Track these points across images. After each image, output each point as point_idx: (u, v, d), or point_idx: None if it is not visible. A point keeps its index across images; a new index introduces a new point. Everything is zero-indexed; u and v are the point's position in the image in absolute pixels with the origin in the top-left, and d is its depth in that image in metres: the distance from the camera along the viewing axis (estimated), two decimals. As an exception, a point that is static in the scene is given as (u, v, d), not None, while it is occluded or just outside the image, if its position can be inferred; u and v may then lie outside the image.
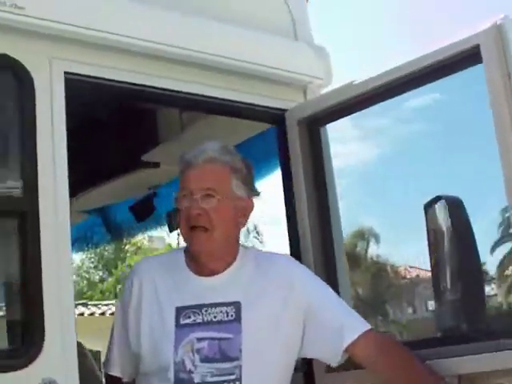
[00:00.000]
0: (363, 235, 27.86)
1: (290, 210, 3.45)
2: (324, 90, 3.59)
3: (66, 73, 2.86)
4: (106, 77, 2.98)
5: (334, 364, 2.86)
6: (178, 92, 3.22)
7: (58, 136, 2.78)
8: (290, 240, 3.44)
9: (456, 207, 3.20)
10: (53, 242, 2.68)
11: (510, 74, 2.81)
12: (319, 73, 3.55)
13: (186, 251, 2.87)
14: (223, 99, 3.35)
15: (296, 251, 3.37)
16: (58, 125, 2.80)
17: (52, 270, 2.65)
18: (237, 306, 2.73)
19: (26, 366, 2.54)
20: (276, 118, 3.52)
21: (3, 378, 2.48)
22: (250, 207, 2.89)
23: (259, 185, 3.74)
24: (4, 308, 2.85)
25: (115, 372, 2.91)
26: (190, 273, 2.82)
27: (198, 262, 2.82)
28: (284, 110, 3.51)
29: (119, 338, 2.88)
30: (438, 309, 3.27)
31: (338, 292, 3.10)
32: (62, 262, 2.71)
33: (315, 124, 3.38)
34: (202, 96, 3.29)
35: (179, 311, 2.72)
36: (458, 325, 3.12)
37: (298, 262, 3.05)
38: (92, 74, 2.94)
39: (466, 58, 2.92)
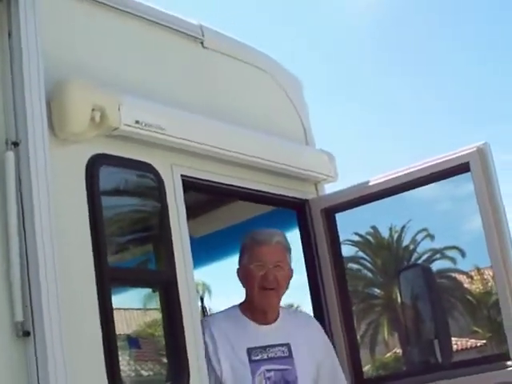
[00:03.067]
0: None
1: (313, 278, 4.50)
2: (330, 185, 4.70)
3: (182, 175, 3.80)
4: (207, 178, 3.95)
5: None
6: (237, 187, 4.22)
7: (182, 220, 3.70)
8: (314, 305, 4.50)
9: (430, 273, 4.47)
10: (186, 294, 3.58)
11: (489, 180, 4.05)
12: (329, 172, 4.67)
13: (242, 306, 4.01)
14: (257, 190, 4.38)
15: (319, 311, 4.44)
16: (181, 210, 3.72)
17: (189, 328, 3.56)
18: (288, 346, 3.95)
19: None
20: (295, 205, 4.59)
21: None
22: (292, 275, 4.06)
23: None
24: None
25: None
26: (250, 321, 3.98)
27: (263, 312, 3.98)
28: (300, 199, 4.58)
29: None
30: (414, 348, 4.53)
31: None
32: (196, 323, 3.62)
33: (333, 211, 4.47)
34: (246, 188, 4.30)
35: (249, 351, 3.86)
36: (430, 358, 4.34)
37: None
38: (198, 176, 3.90)
39: (459, 168, 4.13)
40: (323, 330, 4.21)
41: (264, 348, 3.88)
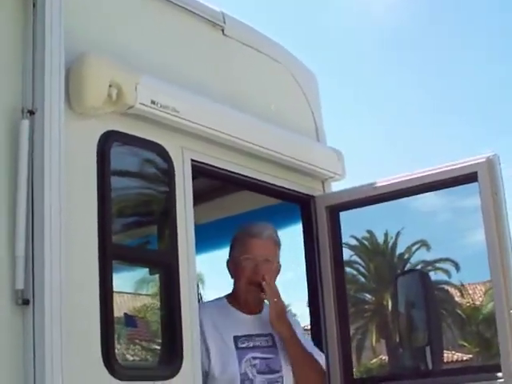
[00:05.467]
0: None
1: (311, 274, 4.51)
2: (336, 183, 4.71)
3: (192, 160, 3.80)
4: (216, 165, 3.96)
5: None
6: (245, 176, 4.22)
7: (188, 204, 3.71)
8: (309, 300, 4.51)
9: (426, 278, 4.48)
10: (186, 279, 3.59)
11: (496, 192, 4.06)
12: (337, 170, 4.67)
13: (229, 297, 4.17)
14: (265, 181, 4.38)
15: (315, 306, 4.44)
16: (188, 194, 3.73)
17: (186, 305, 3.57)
18: (271, 336, 4.12)
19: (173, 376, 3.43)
20: (300, 199, 4.59)
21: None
22: (280, 270, 4.25)
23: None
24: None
25: None
26: (236, 311, 4.13)
27: (248, 304, 4.11)
28: (306, 195, 4.58)
29: None
30: (405, 353, 4.55)
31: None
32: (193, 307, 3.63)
33: (337, 210, 4.48)
34: (254, 178, 4.30)
35: (235, 338, 4.00)
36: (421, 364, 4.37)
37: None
38: (208, 162, 3.90)
39: (467, 177, 4.13)
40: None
41: (249, 336, 4.03)
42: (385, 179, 4.36)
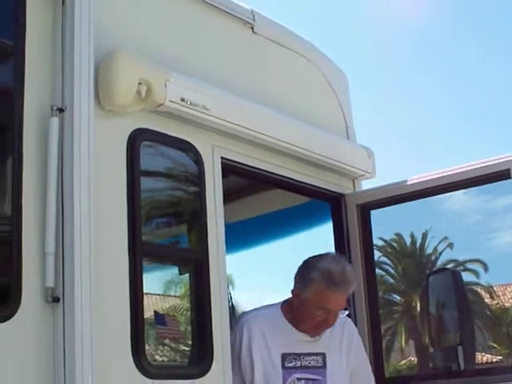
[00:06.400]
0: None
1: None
2: (367, 182, 4.67)
3: (222, 157, 3.78)
4: (246, 163, 3.93)
5: None
6: (275, 174, 4.19)
7: (218, 202, 3.68)
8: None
9: (458, 277, 4.42)
10: (216, 277, 3.56)
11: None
12: (368, 168, 4.63)
13: (285, 308, 3.88)
14: (295, 180, 4.35)
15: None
16: (218, 192, 3.70)
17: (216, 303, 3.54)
18: (323, 356, 3.84)
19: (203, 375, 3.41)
20: (331, 198, 4.56)
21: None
22: None
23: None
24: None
25: None
26: (290, 326, 3.84)
27: (307, 332, 3.82)
28: (337, 193, 4.55)
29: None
30: (437, 352, 4.48)
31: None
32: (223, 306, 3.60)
33: (368, 208, 4.44)
34: (284, 177, 4.27)
35: (284, 356, 3.77)
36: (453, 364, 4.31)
37: (354, 325, 4.15)
38: (238, 160, 3.88)
39: (499, 175, 4.08)
40: (358, 333, 4.12)
41: (299, 356, 3.79)
42: (416, 177, 4.32)
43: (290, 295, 3.85)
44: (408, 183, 4.31)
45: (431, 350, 4.63)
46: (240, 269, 6.95)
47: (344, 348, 3.96)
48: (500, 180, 4.04)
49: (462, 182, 4.17)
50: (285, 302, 3.91)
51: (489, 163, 4.08)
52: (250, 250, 5.82)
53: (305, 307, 3.72)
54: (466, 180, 4.16)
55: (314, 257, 3.79)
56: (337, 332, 3.93)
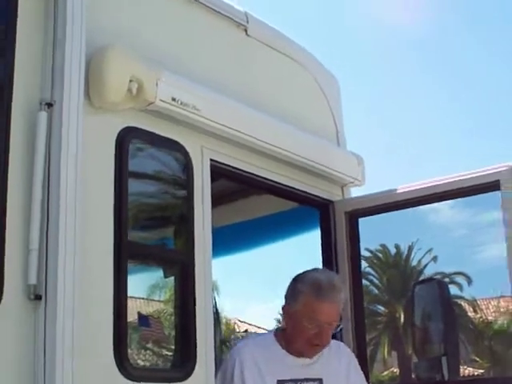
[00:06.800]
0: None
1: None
2: (355, 190, 4.64)
3: (211, 159, 3.74)
4: (235, 165, 3.90)
5: None
6: (265, 178, 4.16)
7: (206, 204, 3.64)
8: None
9: (444, 288, 4.40)
10: (201, 280, 3.52)
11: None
12: (357, 175, 4.60)
13: (278, 334, 3.68)
14: (284, 184, 4.31)
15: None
16: (206, 194, 3.67)
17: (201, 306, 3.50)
18: (320, 381, 3.63)
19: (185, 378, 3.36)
20: (319, 204, 4.52)
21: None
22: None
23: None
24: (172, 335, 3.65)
25: None
26: (284, 352, 3.63)
27: (302, 354, 3.61)
28: (326, 200, 4.51)
29: None
30: (420, 363, 4.45)
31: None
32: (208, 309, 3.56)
33: (356, 216, 4.41)
34: (273, 181, 4.24)
35: (279, 383, 3.56)
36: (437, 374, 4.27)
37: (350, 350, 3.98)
38: (227, 162, 3.84)
39: (489, 186, 4.06)
40: (354, 356, 3.93)
41: (295, 381, 3.60)
42: (405, 186, 4.30)
43: (281, 311, 3.72)
44: (397, 192, 4.29)
45: (415, 360, 4.60)
46: (224, 274, 6.90)
47: (343, 369, 3.77)
48: (489, 191, 4.02)
49: (450, 192, 4.15)
50: (277, 329, 3.78)
51: (478, 174, 4.06)
52: (235, 256, 5.77)
53: (296, 321, 3.55)
54: (455, 190, 4.14)
55: (302, 272, 3.70)
56: (334, 354, 3.76)
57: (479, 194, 4.08)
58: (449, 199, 4.25)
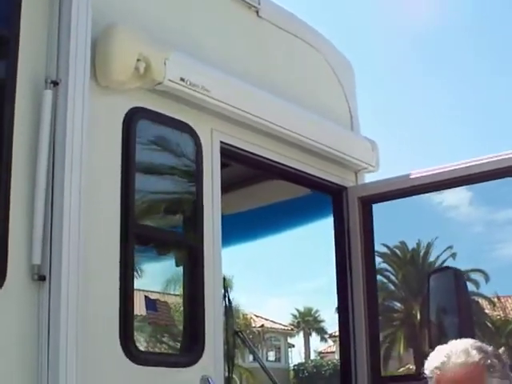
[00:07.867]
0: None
1: (341, 265, 4.34)
2: (369, 175, 4.55)
3: (221, 142, 3.66)
4: (246, 148, 3.82)
5: None
6: (276, 163, 4.07)
7: (216, 186, 3.57)
8: (339, 295, 4.33)
9: (461, 277, 4.28)
10: (210, 265, 3.45)
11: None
12: (371, 161, 4.51)
13: None
14: (297, 169, 4.22)
15: (344, 302, 4.28)
16: (216, 177, 3.59)
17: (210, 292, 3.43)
18: None
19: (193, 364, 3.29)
20: (332, 190, 4.43)
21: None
22: None
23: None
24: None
25: None
26: None
27: None
28: (339, 185, 4.42)
29: None
30: None
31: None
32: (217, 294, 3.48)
33: (370, 201, 4.32)
34: (285, 165, 4.15)
35: None
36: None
37: None
38: (237, 145, 3.76)
39: (506, 170, 3.95)
40: None
41: None
42: (420, 171, 4.20)
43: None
44: (411, 177, 4.20)
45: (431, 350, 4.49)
46: (240, 270, 6.80)
47: None
48: (505, 177, 3.92)
49: (465, 177, 4.05)
50: None
51: (494, 159, 3.96)
52: (251, 249, 5.69)
53: None
54: (470, 175, 4.03)
55: None
56: None
57: (495, 179, 3.98)
58: (463, 185, 4.15)
